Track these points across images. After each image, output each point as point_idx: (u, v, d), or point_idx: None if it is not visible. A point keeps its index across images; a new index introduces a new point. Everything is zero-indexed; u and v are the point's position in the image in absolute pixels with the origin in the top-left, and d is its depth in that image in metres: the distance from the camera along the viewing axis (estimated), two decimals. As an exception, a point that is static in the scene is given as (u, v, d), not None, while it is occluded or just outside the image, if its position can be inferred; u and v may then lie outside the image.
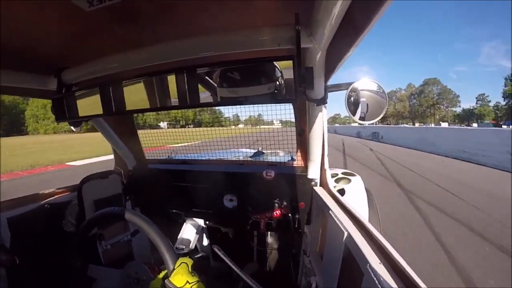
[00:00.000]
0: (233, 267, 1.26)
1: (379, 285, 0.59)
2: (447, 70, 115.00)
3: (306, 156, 1.42)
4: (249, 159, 2.18)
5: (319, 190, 1.35)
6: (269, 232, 1.77)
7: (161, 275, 0.76)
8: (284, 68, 0.77)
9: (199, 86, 0.82)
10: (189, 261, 0.74)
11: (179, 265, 0.72)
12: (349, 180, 1.87)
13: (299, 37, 0.70)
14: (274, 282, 1.66)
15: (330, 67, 0.87)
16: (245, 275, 1.21)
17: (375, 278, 0.61)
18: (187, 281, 0.69)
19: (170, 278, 0.71)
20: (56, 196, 1.43)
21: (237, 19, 0.78)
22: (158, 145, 1.98)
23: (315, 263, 1.24)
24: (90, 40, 0.88)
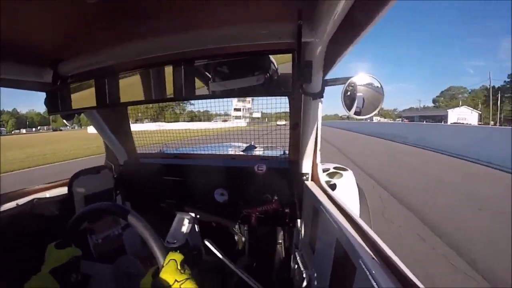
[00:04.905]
0: (225, 260, 1.27)
1: (372, 279, 0.59)
2: (464, 65, 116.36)
3: (298, 151, 1.43)
4: (241, 153, 2.18)
5: (310, 184, 1.36)
6: (260, 226, 1.79)
7: (150, 272, 0.74)
8: (282, 62, 0.77)
9: (196, 79, 0.82)
10: (178, 257, 0.72)
11: (168, 262, 0.71)
12: (341, 175, 1.89)
13: (301, 31, 0.70)
14: (266, 275, 1.68)
15: (329, 62, 0.87)
16: (237, 268, 1.22)
17: (368, 273, 0.61)
18: (176, 280, 0.68)
19: (158, 277, 0.70)
20: (45, 191, 1.40)
21: (238, 13, 0.77)
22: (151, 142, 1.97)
23: (307, 256, 1.26)
24: (88, 32, 0.85)
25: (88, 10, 0.69)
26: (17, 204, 1.21)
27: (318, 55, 0.80)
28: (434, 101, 77.03)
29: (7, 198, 1.22)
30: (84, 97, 0.97)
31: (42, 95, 1.06)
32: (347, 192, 1.82)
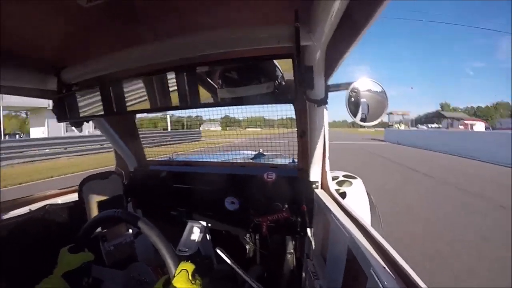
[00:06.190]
0: (237, 269, 1.25)
1: None
2: (463, 66, 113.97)
3: (307, 158, 1.42)
4: (250, 161, 2.18)
5: (320, 192, 1.35)
6: (271, 235, 1.77)
7: (161, 281, 0.75)
8: (284, 70, 0.78)
9: (200, 87, 0.83)
10: (189, 266, 0.73)
11: (179, 272, 0.72)
12: (350, 183, 1.87)
13: (299, 35, 0.70)
14: (278, 285, 1.65)
15: (330, 66, 0.87)
16: (249, 278, 1.21)
17: (379, 282, 0.60)
18: None
19: (169, 286, 0.70)
20: (57, 197, 1.43)
21: (236, 17, 0.78)
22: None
23: (319, 266, 1.23)
24: (89, 38, 0.88)
25: (86, 17, 0.71)
26: (30, 209, 1.23)
27: (318, 60, 0.80)
28: None
29: (19, 203, 1.25)
30: (91, 105, 1.01)
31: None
32: (357, 200, 1.79)
